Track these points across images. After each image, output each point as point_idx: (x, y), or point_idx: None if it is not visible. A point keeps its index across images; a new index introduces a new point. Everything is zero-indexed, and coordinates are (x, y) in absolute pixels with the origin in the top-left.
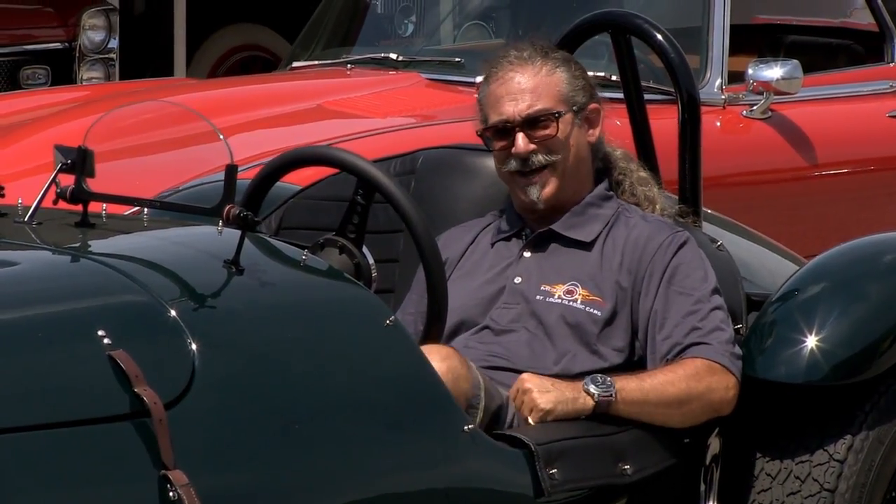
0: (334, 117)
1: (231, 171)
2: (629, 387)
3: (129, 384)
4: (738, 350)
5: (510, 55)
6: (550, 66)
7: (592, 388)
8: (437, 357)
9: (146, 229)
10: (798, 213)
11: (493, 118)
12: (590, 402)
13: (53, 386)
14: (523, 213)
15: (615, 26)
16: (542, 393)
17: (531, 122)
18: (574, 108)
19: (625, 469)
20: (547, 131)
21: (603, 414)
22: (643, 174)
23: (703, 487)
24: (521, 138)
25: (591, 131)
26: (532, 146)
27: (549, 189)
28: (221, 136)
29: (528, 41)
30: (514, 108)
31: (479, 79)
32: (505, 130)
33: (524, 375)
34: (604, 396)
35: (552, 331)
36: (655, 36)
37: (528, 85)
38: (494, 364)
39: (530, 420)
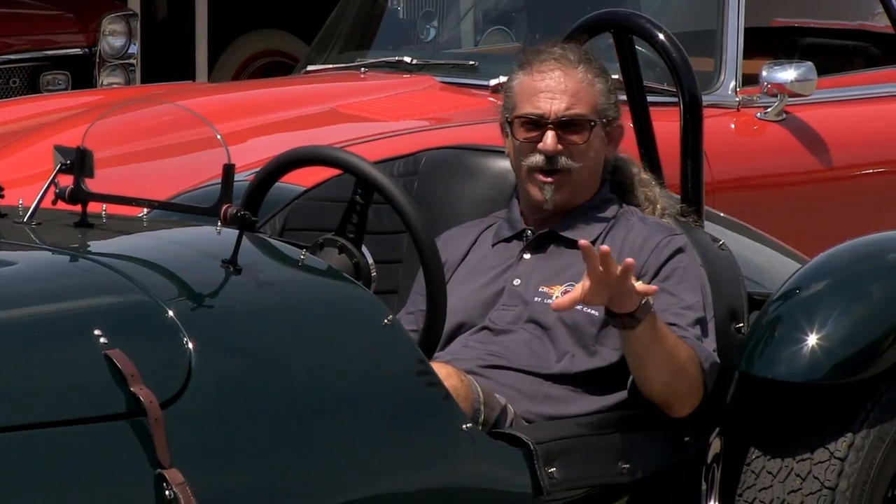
0: (347, 121)
1: (228, 170)
2: (660, 323)
3: (125, 383)
4: (714, 365)
5: (554, 52)
6: (592, 75)
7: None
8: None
9: (145, 229)
10: (813, 215)
11: (527, 109)
12: (636, 300)
13: (49, 385)
14: (528, 211)
15: (617, 26)
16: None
17: (565, 124)
18: (603, 120)
19: (625, 468)
20: (578, 137)
21: (628, 335)
22: (644, 176)
23: (704, 486)
24: (551, 136)
25: (610, 147)
26: (560, 147)
27: (563, 194)
28: (219, 136)
29: (571, 44)
30: (552, 105)
31: (494, 81)
32: (536, 124)
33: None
34: (648, 305)
35: (551, 332)
36: (657, 36)
37: (570, 87)
38: (493, 363)
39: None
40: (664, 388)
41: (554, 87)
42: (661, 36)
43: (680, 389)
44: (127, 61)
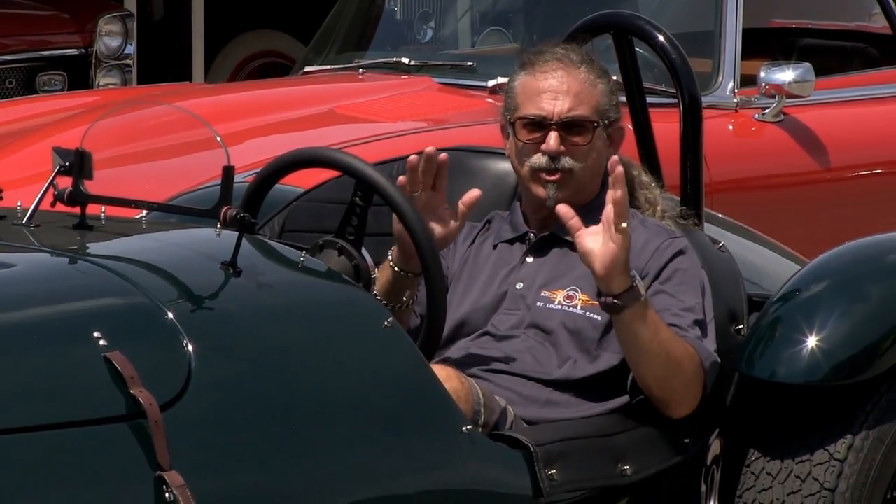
0: (346, 122)
1: (228, 172)
2: (653, 313)
3: (124, 385)
4: (714, 365)
5: (556, 52)
6: (594, 76)
7: (638, 280)
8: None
9: (144, 231)
10: (811, 216)
11: (530, 110)
12: (628, 281)
13: (49, 387)
14: (531, 211)
15: (617, 28)
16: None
17: (568, 125)
18: (605, 122)
19: (625, 470)
20: (581, 138)
21: (619, 317)
22: (644, 178)
23: (703, 487)
24: (554, 137)
25: (611, 149)
26: (562, 148)
27: (564, 193)
28: (218, 138)
29: (572, 44)
30: (555, 106)
31: (491, 82)
32: (539, 125)
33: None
34: (638, 286)
35: (553, 337)
36: (657, 37)
37: (572, 87)
38: (495, 368)
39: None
40: (659, 384)
41: (557, 87)
42: (661, 38)
43: (676, 386)
44: (123, 62)
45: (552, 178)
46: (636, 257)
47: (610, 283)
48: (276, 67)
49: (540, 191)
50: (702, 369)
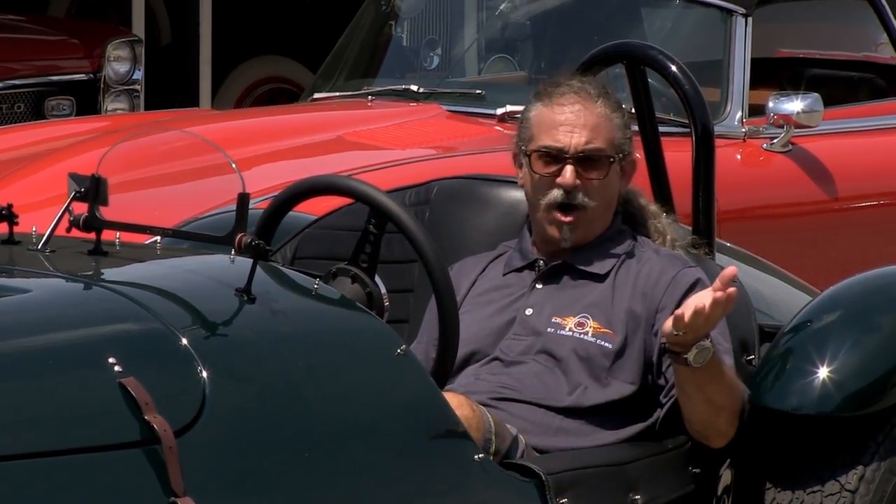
0: (355, 149)
1: (243, 199)
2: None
3: (139, 411)
4: (748, 394)
5: (574, 85)
6: (610, 109)
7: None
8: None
9: (159, 257)
10: (819, 246)
11: (547, 142)
12: (709, 342)
13: (63, 413)
14: (543, 246)
15: (630, 57)
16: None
17: (584, 159)
18: (619, 155)
19: (635, 499)
20: (596, 173)
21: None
22: (653, 207)
23: None
24: (570, 171)
25: (623, 181)
26: (578, 182)
27: (580, 233)
28: (233, 164)
29: (589, 76)
30: (572, 139)
31: (500, 110)
32: (556, 158)
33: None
34: (703, 355)
35: (564, 363)
36: (670, 67)
37: (589, 121)
38: (505, 395)
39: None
40: (704, 425)
41: (574, 120)
42: (674, 68)
43: (720, 425)
44: (131, 87)
45: (567, 219)
46: (651, 289)
47: (673, 344)
48: (282, 93)
49: (554, 232)
50: (743, 403)
